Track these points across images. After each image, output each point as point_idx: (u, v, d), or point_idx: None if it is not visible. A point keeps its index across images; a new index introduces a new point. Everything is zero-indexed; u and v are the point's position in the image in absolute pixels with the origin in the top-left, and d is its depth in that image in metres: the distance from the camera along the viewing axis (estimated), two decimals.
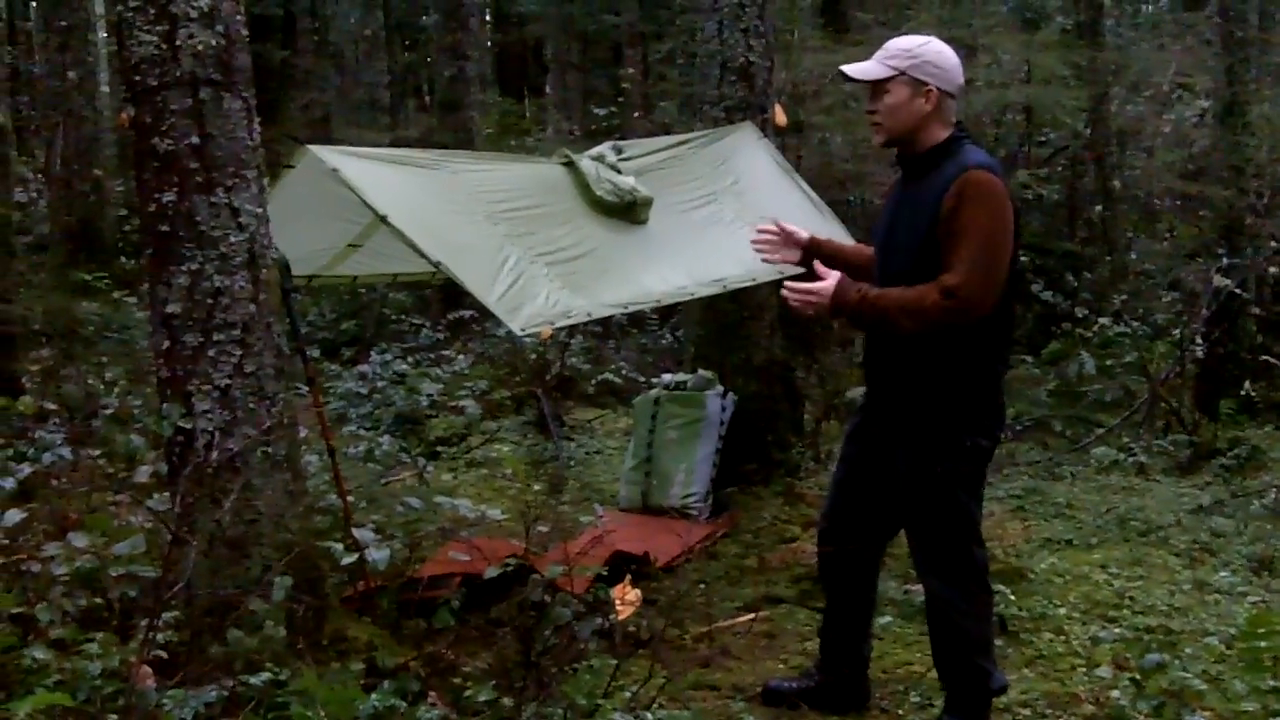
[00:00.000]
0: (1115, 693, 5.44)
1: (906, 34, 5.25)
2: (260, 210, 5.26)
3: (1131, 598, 7.04)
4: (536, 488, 9.67)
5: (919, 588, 6.61)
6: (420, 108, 27.95)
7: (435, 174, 6.60)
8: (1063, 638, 6.44)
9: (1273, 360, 11.48)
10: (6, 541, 5.29)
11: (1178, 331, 12.14)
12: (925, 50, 5.01)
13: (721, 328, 9.30)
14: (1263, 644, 4.89)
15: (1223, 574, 7.42)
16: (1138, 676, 5.38)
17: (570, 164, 7.24)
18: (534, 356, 12.83)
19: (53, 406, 8.61)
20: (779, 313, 9.49)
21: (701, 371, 9.05)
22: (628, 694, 5.02)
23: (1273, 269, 12.33)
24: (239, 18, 5.24)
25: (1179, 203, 17.04)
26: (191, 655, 4.71)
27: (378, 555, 5.50)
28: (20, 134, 20.19)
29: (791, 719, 5.53)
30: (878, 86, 5.04)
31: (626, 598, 6.65)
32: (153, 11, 5.02)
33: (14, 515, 5.18)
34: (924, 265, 4.83)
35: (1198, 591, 7.16)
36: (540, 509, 7.74)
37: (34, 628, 4.59)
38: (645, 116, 21.72)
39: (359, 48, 25.79)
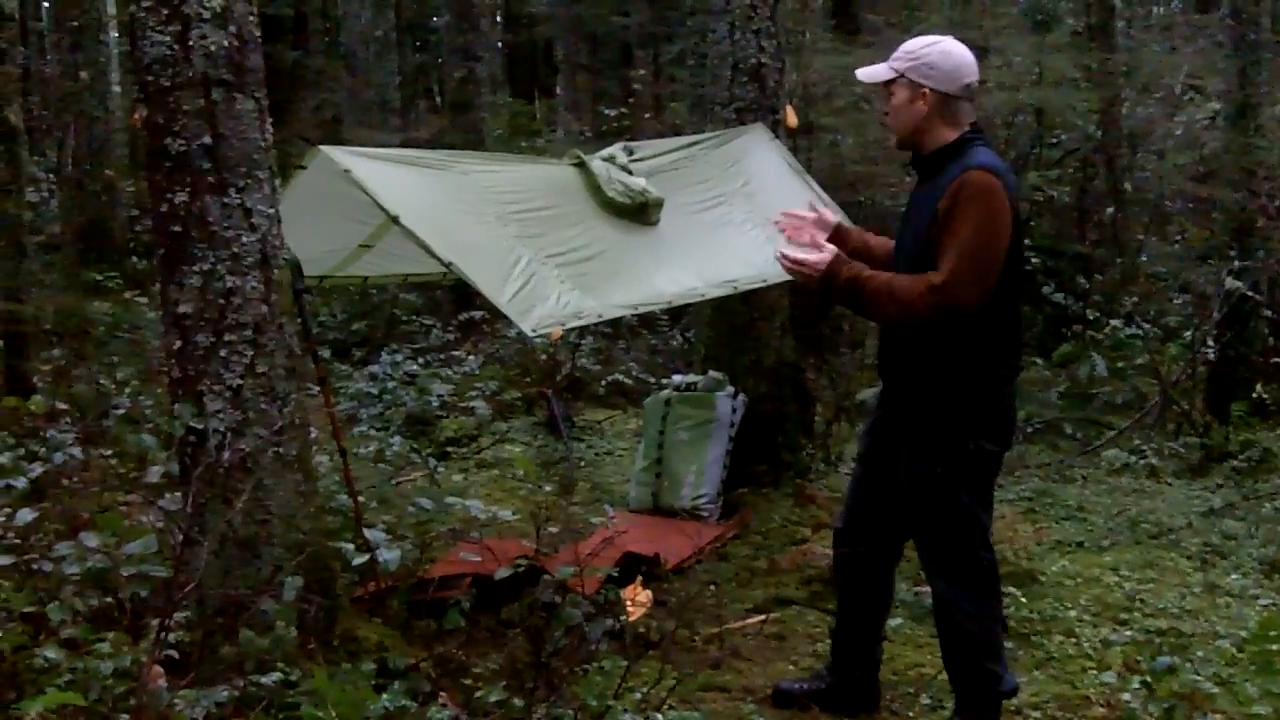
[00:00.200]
0: (1126, 695, 5.44)
1: (918, 35, 5.25)
2: (272, 211, 5.26)
3: (1142, 600, 7.04)
4: (547, 489, 9.67)
5: (928, 589, 6.64)
6: (431, 109, 27.95)
7: (446, 175, 6.60)
8: (1073, 640, 6.43)
9: None
10: (18, 541, 5.29)
11: (1189, 334, 12.14)
12: (927, 51, 5.02)
13: (732, 329, 9.29)
14: (1274, 647, 4.89)
15: (1234, 577, 7.41)
16: (1149, 679, 5.38)
17: (581, 165, 7.24)
18: (544, 357, 12.83)
19: (64, 406, 8.62)
20: (789, 314, 9.50)
21: (712, 373, 9.04)
22: (638, 695, 5.02)
23: None
24: (251, 18, 5.24)
25: (1190, 205, 17.02)
26: (203, 655, 4.72)
27: (389, 556, 5.52)
28: (32, 134, 20.18)
29: None
30: (885, 87, 5.08)
31: (637, 599, 6.64)
32: (165, 12, 5.02)
33: (26, 514, 5.19)
34: (924, 265, 4.85)
35: (1209, 594, 7.15)
36: (551, 510, 7.76)
37: (45, 627, 4.59)
38: (656, 118, 21.73)
39: (370, 49, 25.81)
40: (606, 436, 11.87)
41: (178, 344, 5.15)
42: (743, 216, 7.70)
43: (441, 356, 13.86)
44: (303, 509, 5.30)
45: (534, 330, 5.92)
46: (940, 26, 16.47)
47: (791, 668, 6.16)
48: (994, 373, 4.99)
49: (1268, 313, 11.90)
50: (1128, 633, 6.52)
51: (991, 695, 5.13)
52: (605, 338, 14.65)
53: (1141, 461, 10.20)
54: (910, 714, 5.58)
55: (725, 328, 9.35)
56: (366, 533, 5.72)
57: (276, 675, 4.48)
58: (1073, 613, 6.82)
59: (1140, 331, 11.96)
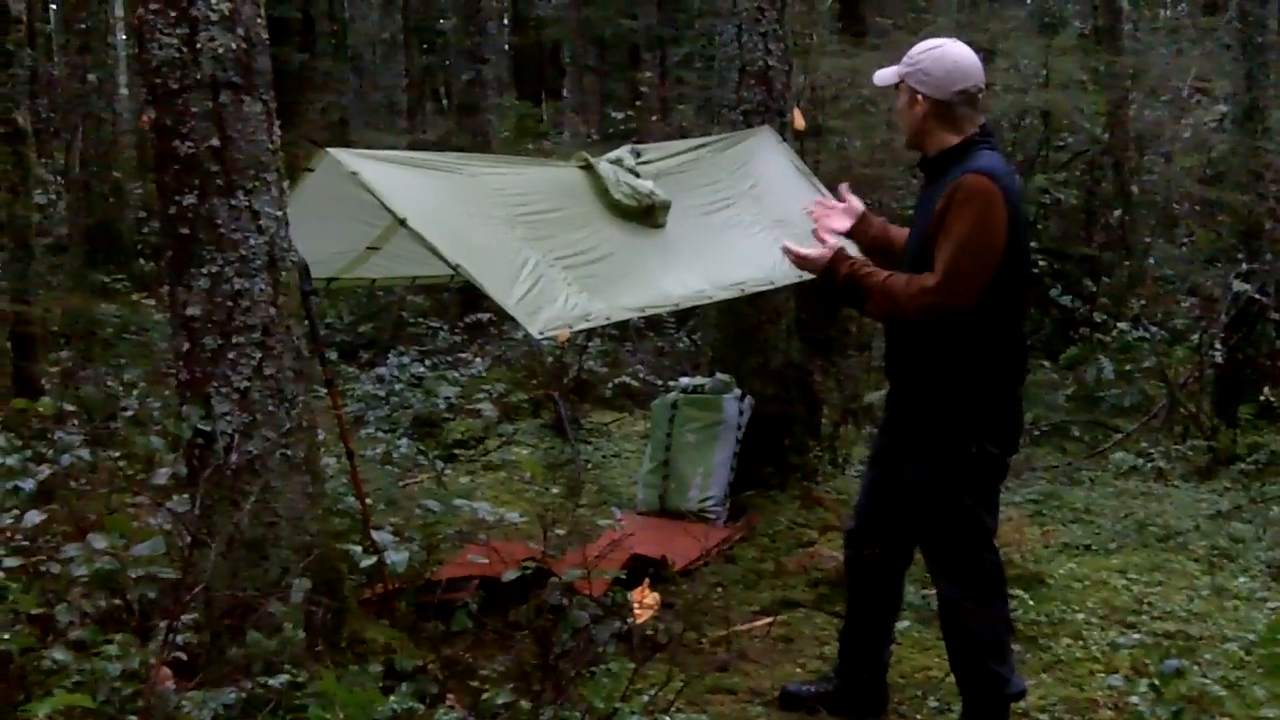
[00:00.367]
0: (1134, 698, 5.43)
1: (925, 38, 5.26)
2: (280, 213, 5.27)
3: (1150, 603, 7.03)
4: (554, 491, 9.67)
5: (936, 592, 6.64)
6: (438, 111, 28.00)
7: (454, 177, 6.61)
8: (1081, 643, 6.43)
9: None
10: (26, 542, 5.29)
11: (1196, 336, 12.12)
12: (923, 57, 5.05)
13: (739, 331, 9.29)
14: None
15: (1242, 579, 7.40)
16: (1156, 682, 5.37)
17: (588, 167, 7.24)
18: (551, 360, 12.84)
19: (72, 408, 8.62)
20: (796, 317, 9.50)
21: (719, 375, 9.04)
22: (645, 697, 5.01)
23: None
24: (259, 21, 5.24)
25: (1198, 207, 16.97)
26: (210, 657, 4.72)
27: (396, 557, 5.52)
28: (39, 136, 20.18)
29: None
30: (896, 89, 5.15)
31: (644, 601, 6.64)
32: (173, 14, 5.02)
33: (33, 516, 5.19)
34: (924, 266, 4.88)
35: (1216, 597, 7.15)
36: (558, 512, 7.76)
37: (53, 629, 4.60)
38: (663, 120, 21.73)
39: (377, 51, 25.85)
40: (614, 439, 11.88)
41: (185, 346, 5.16)
42: (750, 219, 7.70)
43: (449, 358, 13.86)
44: (310, 511, 5.31)
45: (541, 332, 5.92)
46: (947, 29, 16.46)
47: (799, 670, 6.17)
48: (998, 376, 5.00)
49: (1275, 315, 11.87)
50: (1135, 635, 6.52)
51: (999, 698, 5.12)
52: (612, 340, 14.65)
53: (1149, 464, 10.19)
54: (918, 717, 5.58)
55: (732, 330, 9.36)
56: (374, 534, 5.72)
57: (284, 677, 4.49)
58: (1080, 615, 6.82)
59: (1147, 334, 11.94)
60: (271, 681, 4.45)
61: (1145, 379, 12.25)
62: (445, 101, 29.11)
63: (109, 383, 10.81)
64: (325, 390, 6.74)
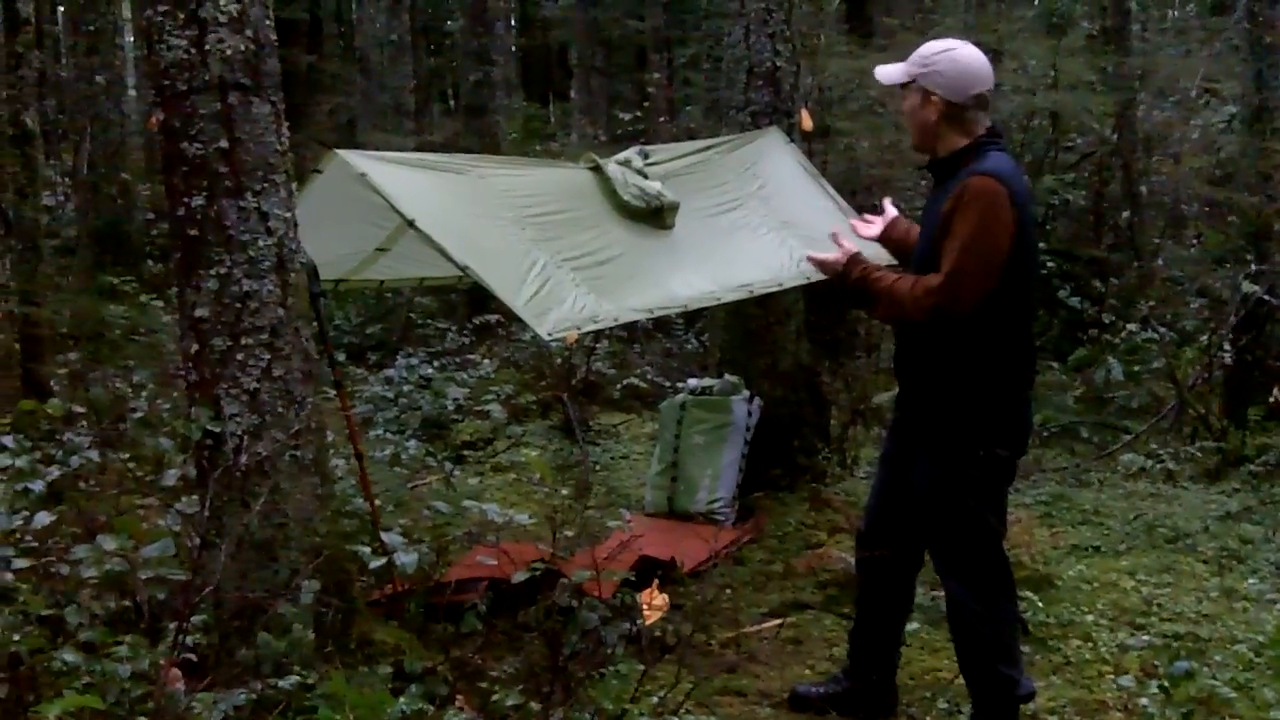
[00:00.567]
0: (1143, 700, 5.44)
1: (933, 39, 5.25)
2: (288, 214, 5.27)
3: (1159, 605, 7.02)
4: (563, 492, 9.67)
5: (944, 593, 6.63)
6: (445, 112, 28.05)
7: (462, 178, 6.61)
8: (1090, 645, 6.42)
9: None
10: (36, 544, 5.30)
11: (1205, 338, 12.09)
12: (937, 59, 5.03)
13: (747, 333, 9.29)
14: None
15: (1251, 581, 7.39)
16: (1166, 684, 5.38)
17: (597, 169, 7.25)
18: (560, 361, 12.83)
19: (80, 409, 8.60)
20: (805, 318, 9.49)
21: (727, 376, 9.04)
22: (655, 699, 5.02)
23: None
24: (268, 22, 5.25)
25: (1206, 208, 16.95)
26: (220, 658, 4.73)
27: (405, 559, 5.51)
28: (48, 138, 20.23)
29: None
30: (901, 89, 5.14)
31: (653, 603, 6.64)
32: (182, 16, 5.03)
33: (43, 518, 5.19)
34: (932, 268, 4.88)
35: (1226, 599, 7.13)
36: (567, 514, 7.75)
37: (63, 630, 4.61)
38: (670, 121, 21.74)
39: (384, 52, 25.88)
40: (622, 440, 11.88)
41: (194, 347, 5.16)
42: (758, 220, 7.70)
43: (457, 360, 13.86)
44: (319, 512, 5.31)
45: (550, 334, 5.92)
46: (955, 30, 16.48)
47: (808, 672, 6.16)
48: (1006, 378, 5.00)
49: None
50: (1145, 637, 6.51)
51: (1008, 699, 5.12)
52: (621, 341, 14.65)
53: (1158, 466, 10.17)
54: (927, 718, 5.57)
55: (741, 331, 9.35)
56: (383, 536, 5.71)
57: (294, 678, 4.50)
58: (1090, 617, 6.81)
59: (1156, 335, 11.92)
60: (281, 683, 4.46)
61: (1154, 380, 12.24)
62: (453, 103, 29.15)
63: (118, 384, 10.82)
64: (334, 392, 6.74)
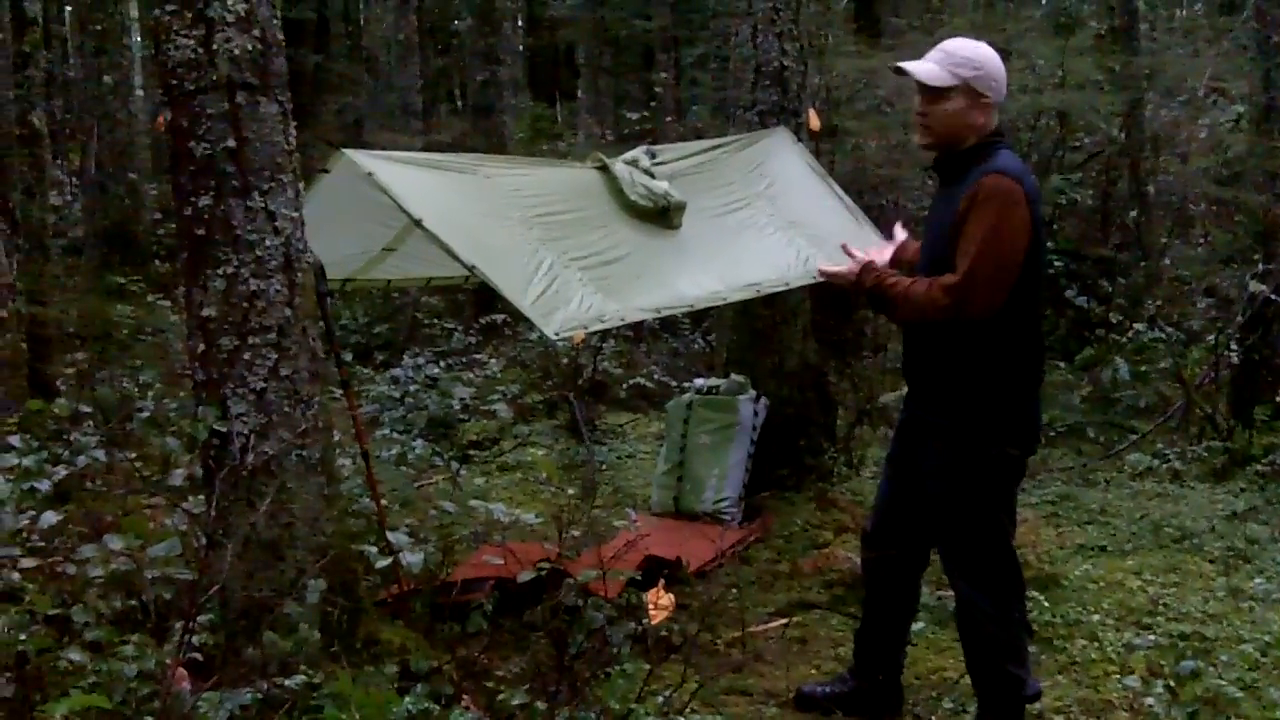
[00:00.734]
0: (1150, 700, 5.43)
1: (942, 38, 5.24)
2: (296, 214, 5.27)
3: (1166, 604, 7.01)
4: (569, 492, 9.67)
5: (952, 593, 6.63)
6: (453, 112, 28.02)
7: (469, 178, 6.61)
8: (1097, 644, 6.42)
9: None
10: (43, 543, 5.31)
11: (1212, 337, 12.08)
12: (988, 62, 5.02)
13: (754, 332, 9.28)
14: None
15: (1258, 581, 7.38)
16: (1172, 684, 5.38)
17: (604, 168, 7.25)
18: (566, 361, 12.84)
19: (87, 409, 8.63)
20: (811, 318, 9.49)
21: (734, 376, 9.04)
22: (661, 699, 5.01)
23: None
24: (275, 22, 5.25)
25: (1214, 208, 16.93)
26: (226, 658, 4.73)
27: (411, 558, 5.52)
28: (55, 137, 20.30)
29: None
30: (937, 92, 5.03)
31: (659, 602, 6.65)
32: (189, 16, 5.03)
33: (50, 517, 5.20)
34: (945, 267, 4.87)
35: (1232, 598, 7.13)
36: (573, 513, 7.75)
37: (70, 629, 4.61)
38: (677, 121, 21.75)
39: (392, 52, 25.87)
40: (628, 440, 11.89)
41: (201, 347, 5.16)
42: (765, 220, 7.69)
43: (463, 360, 13.88)
44: (326, 512, 5.31)
45: (556, 333, 5.92)
46: (963, 29, 16.43)
47: (814, 671, 6.16)
48: (1018, 377, 4.99)
49: None
50: (1151, 637, 6.50)
51: (1015, 699, 5.12)
52: (627, 341, 14.66)
53: (1164, 465, 10.16)
54: (933, 718, 5.57)
55: (747, 331, 9.35)
56: (389, 536, 5.73)
57: (300, 678, 4.50)
58: (1096, 617, 6.81)
59: (1163, 335, 11.91)
60: (287, 682, 4.46)
61: (1161, 380, 12.22)
62: (460, 103, 29.16)
63: (125, 384, 10.84)
64: (341, 391, 6.75)
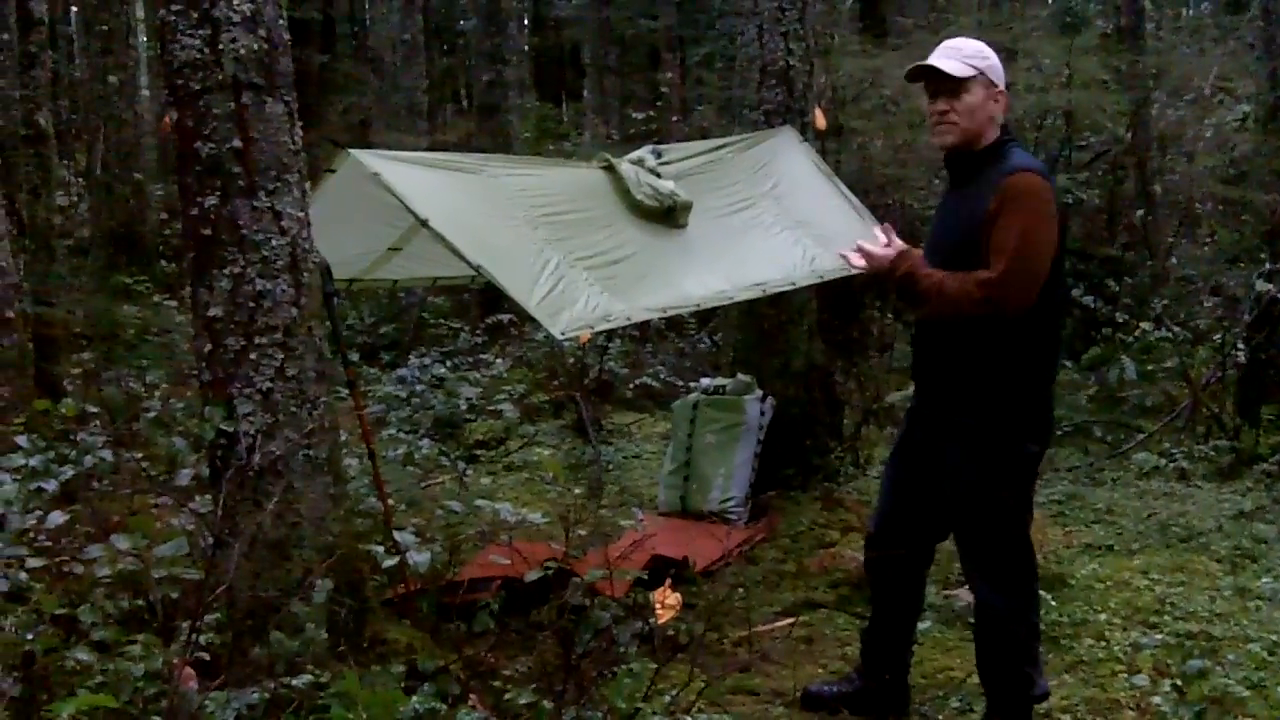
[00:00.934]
0: (1157, 699, 5.42)
1: (948, 38, 5.24)
2: (302, 214, 5.27)
3: (1173, 604, 7.00)
4: (576, 491, 9.67)
5: (958, 593, 6.64)
6: (458, 112, 28.03)
7: (476, 178, 6.61)
8: (1103, 644, 6.41)
9: None
10: (50, 543, 5.31)
11: (1219, 337, 12.06)
12: (992, 55, 5.06)
13: (760, 332, 9.29)
14: None
15: (1265, 580, 7.37)
16: (1179, 683, 5.37)
17: (610, 168, 7.25)
18: (572, 360, 12.84)
19: (94, 409, 8.62)
20: (818, 318, 9.49)
21: (740, 376, 9.04)
22: (667, 698, 5.01)
23: None
24: (281, 22, 5.25)
25: (1220, 207, 16.92)
26: (233, 657, 4.73)
27: (418, 558, 5.52)
28: (61, 138, 20.29)
29: None
30: (958, 85, 5.00)
31: (666, 602, 6.65)
32: (195, 15, 5.03)
33: (56, 517, 5.20)
34: (964, 263, 4.85)
35: (1239, 598, 7.12)
36: (579, 513, 7.76)
37: (77, 629, 4.61)
38: (683, 121, 21.73)
39: (398, 52, 25.89)
40: (635, 440, 11.89)
41: (208, 347, 5.17)
42: (771, 219, 7.70)
43: (470, 359, 13.87)
44: (332, 511, 5.31)
45: (563, 333, 5.93)
46: (969, 29, 16.43)
47: (820, 671, 6.16)
48: (1039, 373, 4.99)
49: None
50: (1158, 636, 6.49)
51: (1024, 700, 5.12)
52: (633, 341, 14.66)
53: (1171, 465, 10.15)
54: (940, 717, 5.56)
55: (754, 331, 9.35)
56: (396, 535, 5.72)
57: (307, 677, 4.50)
58: (1103, 616, 6.80)
59: (1170, 334, 11.90)
60: (294, 682, 4.46)
61: (1167, 379, 12.21)
62: (466, 103, 29.15)
63: (131, 384, 10.85)
64: (347, 391, 6.75)
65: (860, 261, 5.30)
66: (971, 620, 5.36)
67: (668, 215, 7.16)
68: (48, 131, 12.11)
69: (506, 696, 4.76)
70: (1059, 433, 10.98)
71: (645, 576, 6.00)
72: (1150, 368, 12.17)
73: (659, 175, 7.29)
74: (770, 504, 8.77)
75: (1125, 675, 5.96)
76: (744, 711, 5.62)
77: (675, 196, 7.17)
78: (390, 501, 6.55)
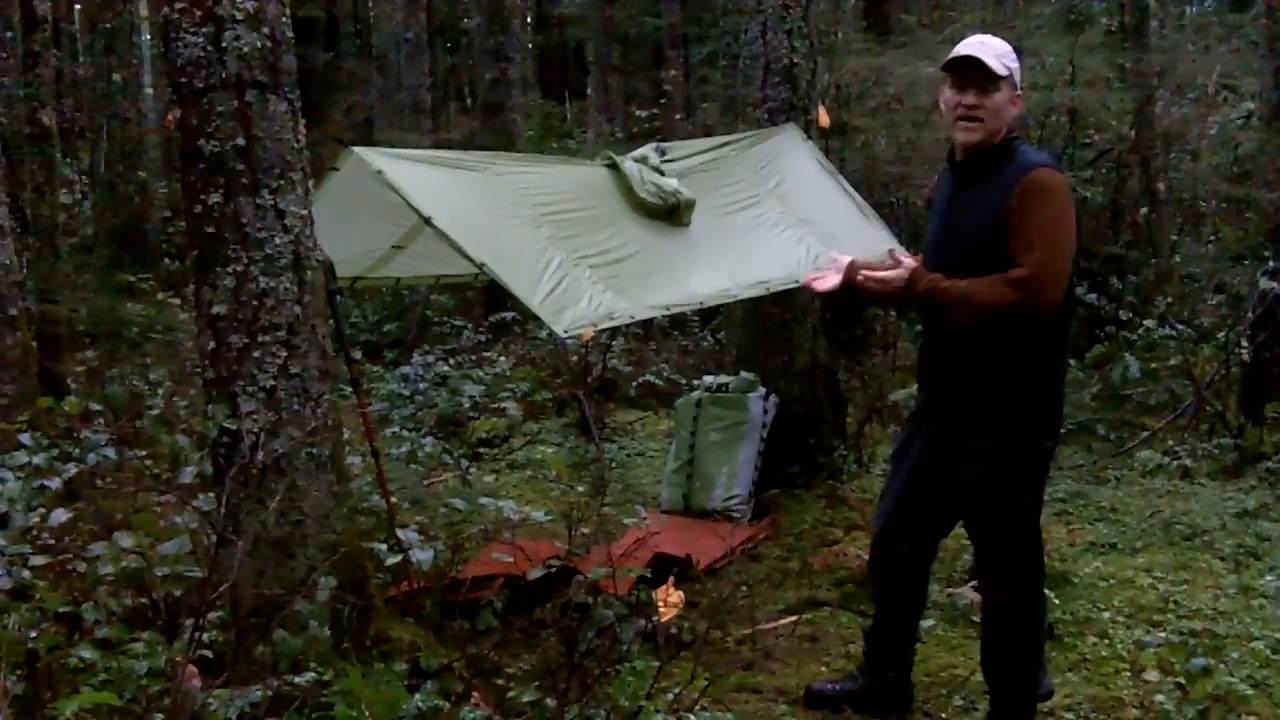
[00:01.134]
0: (1160, 697, 5.42)
1: (951, 36, 5.24)
2: (305, 212, 5.27)
3: (1176, 602, 7.00)
4: (579, 490, 9.67)
5: (962, 591, 6.64)
6: (462, 110, 28.07)
7: (479, 176, 6.61)
8: (1107, 642, 6.41)
9: None
10: (53, 541, 5.32)
11: (1223, 335, 12.06)
12: (1016, 57, 5.05)
13: (764, 330, 9.28)
14: None
15: (1268, 578, 7.36)
16: (1183, 681, 5.37)
17: (614, 166, 7.25)
18: (576, 358, 12.84)
19: (98, 407, 8.65)
20: (821, 316, 9.48)
21: (744, 374, 9.03)
22: (670, 696, 5.02)
23: None
24: (284, 20, 5.25)
25: (1224, 205, 16.94)
26: (237, 655, 4.73)
27: (422, 556, 5.52)
28: (65, 136, 20.27)
29: None
30: (991, 83, 4.96)
31: (669, 600, 6.64)
32: (199, 14, 5.03)
33: (60, 515, 5.21)
34: (982, 263, 4.81)
35: (1243, 596, 7.11)
36: (583, 511, 7.76)
37: (80, 627, 4.62)
38: (687, 119, 21.75)
39: (401, 50, 25.88)
40: (638, 438, 11.88)
41: (211, 345, 5.17)
42: (775, 217, 7.70)
43: (473, 358, 13.89)
44: (336, 510, 5.31)
45: (566, 331, 5.92)
46: (974, 27, 16.41)
47: (824, 669, 6.15)
48: (1053, 371, 4.99)
49: None
50: (1161, 634, 6.49)
51: (1029, 698, 5.11)
52: (637, 339, 14.66)
53: (1175, 463, 10.14)
54: (943, 715, 5.56)
55: (757, 329, 9.34)
56: (399, 533, 5.73)
57: (310, 675, 4.50)
58: (1106, 614, 6.80)
59: (1174, 332, 11.90)
60: (297, 679, 4.46)
61: (1171, 377, 12.19)
62: (470, 101, 29.20)
63: (135, 382, 10.86)
64: (351, 389, 6.76)
65: (822, 287, 5.28)
66: (975, 618, 5.36)
67: (671, 213, 7.16)
68: (51, 130, 12.11)
69: (510, 694, 4.77)
70: (1063, 431, 10.97)
71: (648, 574, 5.99)
72: (1154, 366, 12.18)
73: (663, 173, 7.29)
74: (773, 502, 8.76)
75: (1129, 673, 5.96)
76: (747, 710, 5.61)
77: (679, 194, 7.16)
78: (393, 499, 6.55)
